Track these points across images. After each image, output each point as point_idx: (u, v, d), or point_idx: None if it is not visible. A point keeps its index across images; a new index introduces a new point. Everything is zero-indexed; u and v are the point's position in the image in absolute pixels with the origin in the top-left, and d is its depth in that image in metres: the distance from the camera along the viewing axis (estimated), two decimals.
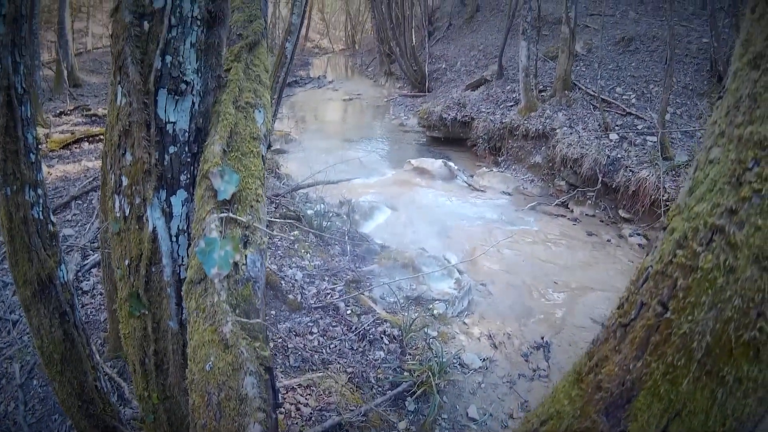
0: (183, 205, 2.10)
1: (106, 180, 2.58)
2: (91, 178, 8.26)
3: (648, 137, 10.12)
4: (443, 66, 20.48)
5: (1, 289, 5.25)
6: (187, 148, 2.10)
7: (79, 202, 7.52)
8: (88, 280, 5.48)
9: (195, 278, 1.69)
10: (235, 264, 1.70)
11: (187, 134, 2.09)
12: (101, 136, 10.42)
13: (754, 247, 1.19)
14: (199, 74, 2.08)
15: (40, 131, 10.41)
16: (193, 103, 2.09)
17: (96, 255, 5.78)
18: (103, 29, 26.99)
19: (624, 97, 11.97)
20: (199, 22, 2.03)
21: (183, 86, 2.03)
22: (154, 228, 2.02)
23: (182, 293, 1.79)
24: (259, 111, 2.28)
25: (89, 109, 13.34)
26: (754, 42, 1.30)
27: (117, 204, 2.06)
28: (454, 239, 8.11)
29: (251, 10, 2.83)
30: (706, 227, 1.28)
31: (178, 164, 2.08)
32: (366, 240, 7.30)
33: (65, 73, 15.93)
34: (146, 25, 1.92)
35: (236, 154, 2.00)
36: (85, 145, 10.38)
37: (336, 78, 29.53)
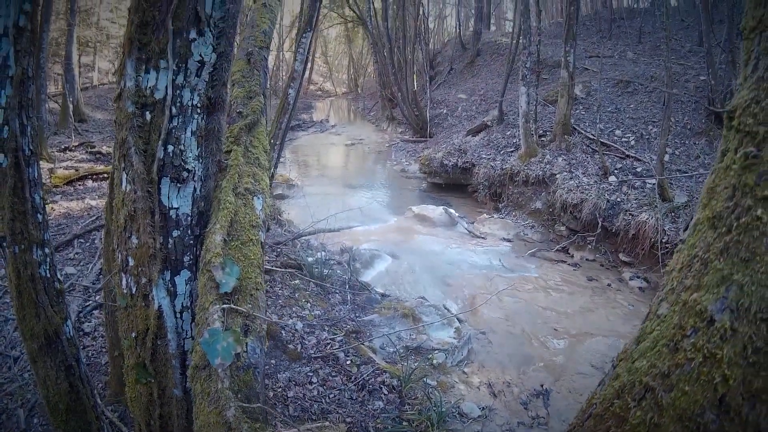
0: (186, 284, 2.26)
1: (110, 230, 2.86)
2: (94, 217, 8.40)
3: (647, 179, 10.41)
4: (444, 111, 21.00)
5: (2, 324, 5.31)
6: (189, 231, 2.27)
7: (82, 240, 7.63)
8: (90, 322, 5.59)
9: (200, 364, 1.84)
10: (237, 354, 1.88)
11: (189, 218, 2.27)
12: (105, 175, 10.75)
13: (679, 409, 1.38)
14: (200, 160, 2.28)
15: (44, 166, 10.71)
16: (195, 189, 2.28)
17: (98, 297, 5.85)
18: (109, 65, 27.96)
19: (623, 139, 12.33)
20: (199, 110, 2.23)
21: (185, 174, 2.22)
22: (160, 306, 2.18)
23: (187, 374, 1.98)
24: (258, 198, 2.49)
25: (93, 146, 13.73)
26: (717, 197, 1.54)
27: (124, 282, 2.22)
28: (455, 287, 8.33)
29: (250, 85, 3.11)
30: (640, 385, 1.49)
31: (182, 246, 2.24)
32: (367, 288, 7.51)
33: (71, 107, 16.45)
34: (148, 115, 2.12)
35: (236, 243, 2.18)
36: (89, 183, 10.58)
37: (339, 122, 30.20)
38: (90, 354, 5.09)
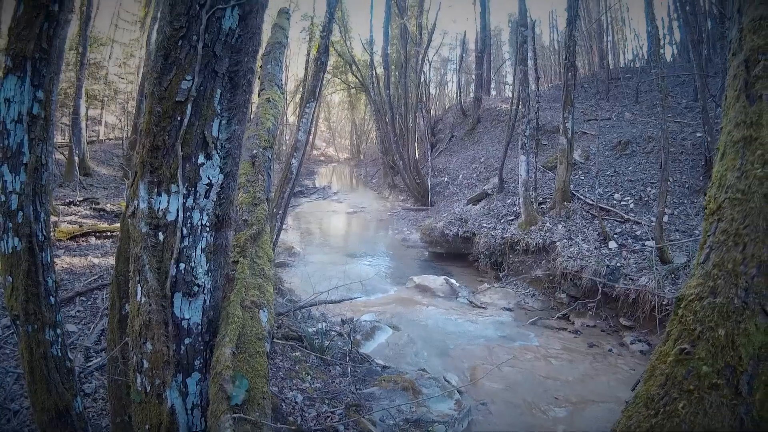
0: (197, 385, 2.49)
1: (114, 303, 3.16)
2: (96, 276, 8.54)
3: (646, 242, 10.83)
4: (446, 179, 21.70)
5: (3, 375, 5.37)
6: (200, 339, 2.52)
7: (84, 298, 7.75)
8: (90, 383, 5.67)
9: None
10: None
11: (200, 327, 2.52)
12: (108, 233, 11.05)
13: None
14: (210, 275, 2.53)
15: None
16: (205, 301, 2.53)
17: (100, 359, 5.95)
18: (116, 120, 28.99)
19: (622, 203, 12.85)
20: (208, 229, 2.50)
21: (195, 288, 2.47)
22: (173, 404, 2.39)
23: None
24: (264, 311, 2.78)
25: (98, 203, 14.15)
26: (654, 379, 2.06)
27: (139, 380, 2.45)
28: (455, 358, 8.62)
29: (255, 190, 3.50)
30: None
31: (193, 352, 2.49)
32: (367, 360, 7.80)
33: (77, 161, 17.17)
34: (161, 235, 2.40)
35: (245, 355, 2.42)
36: (92, 240, 10.77)
37: (341, 189, 30.95)
38: (91, 416, 5.16)
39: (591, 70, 33.59)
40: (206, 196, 2.49)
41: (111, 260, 9.02)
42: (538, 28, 40.60)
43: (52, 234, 9.19)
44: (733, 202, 2.31)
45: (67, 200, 13.80)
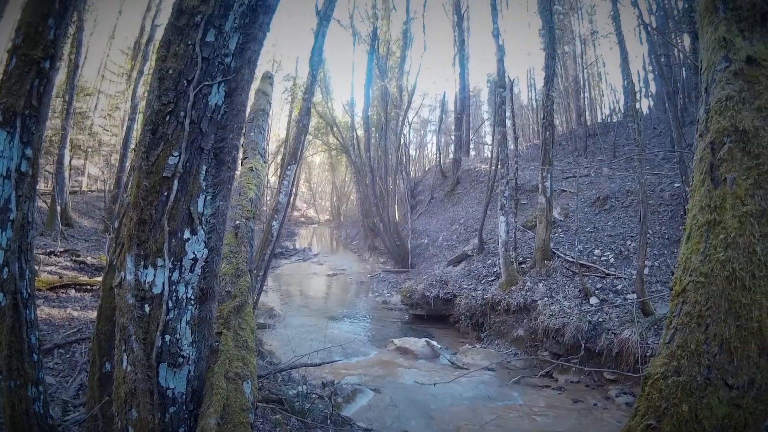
0: None
1: (95, 360, 3.35)
2: (75, 329, 8.51)
3: (628, 295, 11.11)
4: (426, 241, 22.09)
5: None
6: (184, 407, 2.62)
7: (62, 351, 7.69)
8: None
9: None
10: None
11: (184, 396, 2.62)
12: (88, 286, 11.06)
13: None
14: (194, 346, 2.66)
15: None
16: (190, 371, 2.64)
17: (77, 413, 5.94)
18: (99, 172, 29.29)
19: (602, 258, 13.21)
20: (192, 302, 2.62)
21: (180, 359, 2.59)
22: None
23: None
24: (247, 382, 2.91)
25: (79, 255, 14.14)
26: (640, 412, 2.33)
27: None
28: (439, 420, 8.70)
29: (238, 261, 3.69)
30: None
31: (177, 420, 2.58)
32: (349, 423, 7.85)
33: (59, 210, 17.38)
34: (147, 308, 2.50)
35: (229, 426, 2.55)
36: (72, 293, 10.70)
37: (321, 250, 31.20)
38: None
39: (569, 127, 34.66)
40: (191, 271, 2.63)
41: (90, 314, 9.14)
42: (516, 87, 41.95)
43: None
44: (696, 285, 2.49)
45: (48, 250, 13.84)
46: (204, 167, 2.65)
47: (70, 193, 21.12)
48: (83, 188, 27.08)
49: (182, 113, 2.57)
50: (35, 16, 3.69)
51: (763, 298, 2.29)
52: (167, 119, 2.56)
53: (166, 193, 2.54)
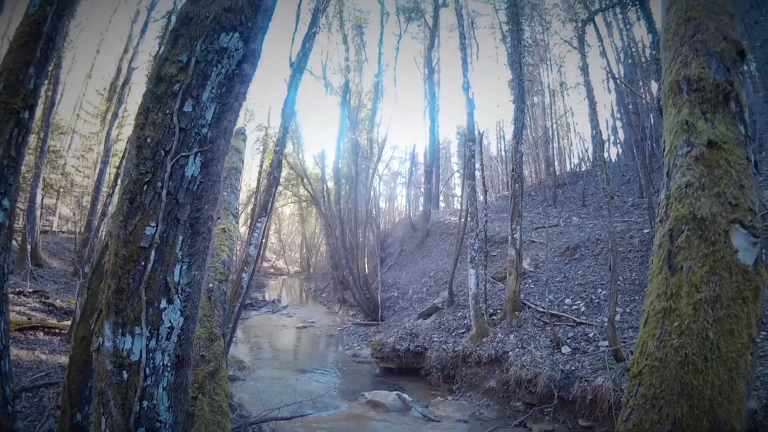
0: None
1: (65, 410, 3.27)
2: (43, 373, 8.45)
3: (600, 343, 11.14)
4: (395, 294, 22.08)
5: None
6: None
7: (30, 395, 7.62)
8: None
9: None
10: None
11: None
12: (57, 329, 10.95)
13: None
14: (171, 411, 2.69)
15: None
16: None
17: None
18: (70, 213, 28.90)
19: (573, 307, 13.31)
20: (169, 368, 2.68)
21: (158, 424, 2.63)
22: None
23: None
24: None
25: (48, 297, 13.98)
26: None
27: None
28: None
29: (212, 326, 3.72)
30: None
31: None
32: None
33: (29, 249, 17.13)
34: (125, 374, 2.55)
35: None
36: (41, 335, 10.65)
37: (290, 302, 31.00)
38: None
39: (538, 177, 35.31)
40: (168, 339, 2.69)
41: (59, 358, 9.19)
42: (485, 139, 42.81)
43: None
44: (651, 369, 2.63)
45: (18, 289, 13.69)
46: (180, 237, 2.74)
47: (40, 232, 21.04)
48: (54, 228, 26.95)
49: (159, 183, 2.66)
50: (16, 63, 3.75)
51: (714, 378, 2.42)
52: (145, 189, 2.66)
53: (143, 263, 2.62)
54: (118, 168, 19.32)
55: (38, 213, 20.07)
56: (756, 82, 29.18)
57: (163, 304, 2.65)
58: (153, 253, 2.61)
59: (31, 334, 10.67)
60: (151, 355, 2.60)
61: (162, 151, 2.67)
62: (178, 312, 2.71)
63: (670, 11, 3.39)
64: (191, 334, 2.84)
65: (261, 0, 3.11)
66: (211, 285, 4.17)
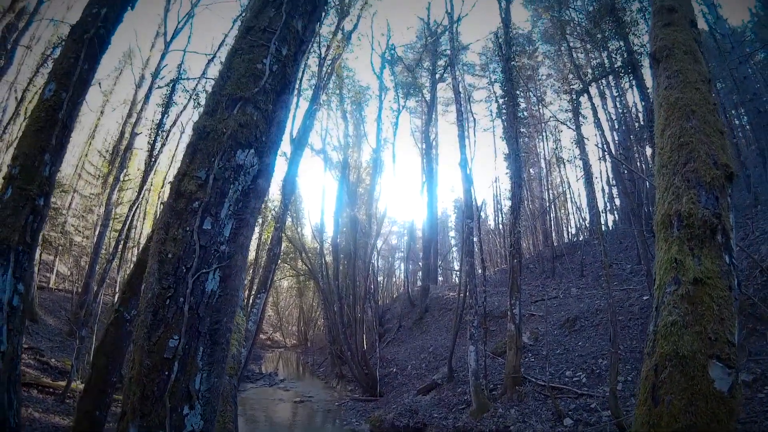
0: None
1: None
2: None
3: (603, 413, 11.05)
4: (394, 369, 21.90)
5: None
6: None
7: None
8: None
9: None
10: None
11: None
12: (51, 389, 10.96)
13: None
14: None
15: None
16: None
17: None
18: (68, 271, 28.82)
19: (574, 379, 13.27)
20: None
21: None
22: None
23: None
24: None
25: (43, 355, 13.98)
26: None
27: None
28: None
29: (225, 421, 3.91)
30: None
31: None
32: None
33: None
34: None
35: None
36: (34, 392, 10.62)
37: (287, 376, 30.57)
38: None
39: (536, 249, 35.42)
40: None
41: (53, 418, 9.28)
42: (483, 212, 43.04)
43: None
44: None
45: None
46: (201, 348, 2.87)
47: (37, 288, 21.02)
48: (51, 285, 26.77)
49: (182, 299, 2.82)
50: (32, 149, 3.92)
51: None
52: (167, 303, 2.81)
53: (167, 373, 2.74)
54: (120, 233, 19.42)
55: (36, 269, 20.09)
56: (748, 135, 29.90)
57: (186, 410, 2.76)
58: (176, 364, 2.74)
59: (25, 391, 10.58)
60: None
61: (183, 267, 2.84)
62: (199, 416, 2.81)
63: (664, 134, 3.74)
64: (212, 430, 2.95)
65: (274, 113, 3.36)
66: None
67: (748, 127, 29.59)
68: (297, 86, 12.40)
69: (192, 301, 2.80)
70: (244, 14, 23.12)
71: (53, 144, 4.01)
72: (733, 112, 29.92)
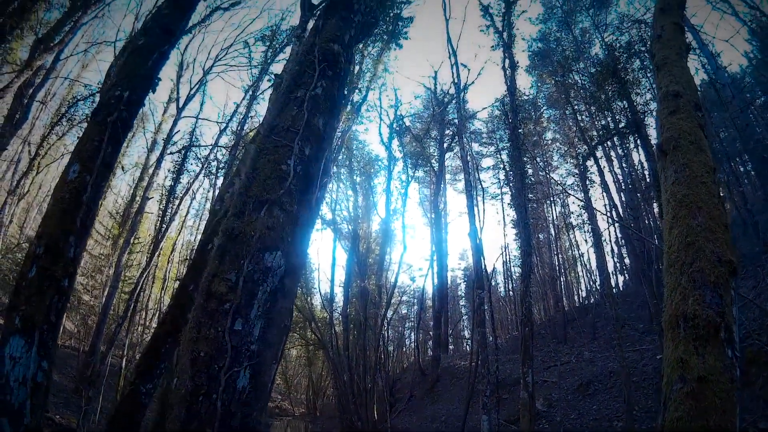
0: None
1: None
2: None
3: None
4: None
5: None
6: None
7: None
8: None
9: None
10: None
11: None
12: None
13: None
14: None
15: None
16: None
17: None
18: (74, 329, 28.86)
19: None
20: None
21: None
22: None
23: None
24: None
25: (47, 411, 13.62)
26: None
27: None
28: None
29: None
30: None
31: None
32: None
33: None
34: None
35: None
36: None
37: None
38: None
39: (547, 315, 35.16)
40: None
41: None
42: (493, 279, 42.90)
43: None
44: None
45: None
46: None
47: None
48: (57, 341, 26.37)
49: (214, 396, 2.95)
50: (56, 230, 4.10)
51: None
52: (200, 399, 2.93)
53: None
54: (130, 298, 19.53)
55: None
56: (754, 181, 29.95)
57: None
58: None
59: None
60: None
61: (216, 366, 2.98)
62: None
63: (672, 232, 3.97)
64: None
65: (299, 213, 3.59)
66: None
67: (753, 173, 29.74)
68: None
69: (224, 398, 2.91)
70: (254, 84, 23.87)
71: (78, 227, 4.18)
72: (737, 159, 30.07)
